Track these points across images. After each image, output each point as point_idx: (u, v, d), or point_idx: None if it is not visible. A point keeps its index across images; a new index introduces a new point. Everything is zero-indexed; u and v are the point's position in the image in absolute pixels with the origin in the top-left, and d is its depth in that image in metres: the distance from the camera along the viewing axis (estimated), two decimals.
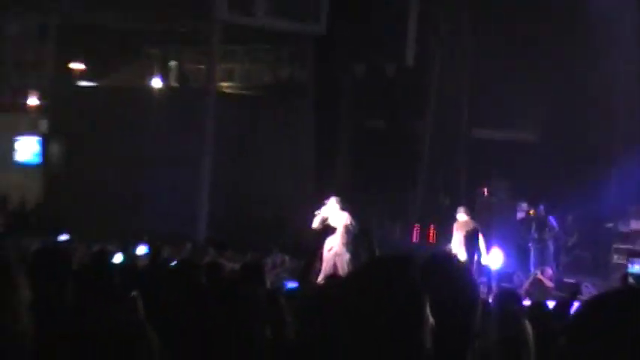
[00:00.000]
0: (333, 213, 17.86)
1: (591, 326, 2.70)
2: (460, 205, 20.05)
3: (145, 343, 3.11)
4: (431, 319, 3.43)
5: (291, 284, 14.70)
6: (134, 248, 15.38)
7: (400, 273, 3.54)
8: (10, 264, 3.52)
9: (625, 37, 22.96)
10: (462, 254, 18.41)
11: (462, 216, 19.38)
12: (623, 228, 22.44)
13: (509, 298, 8.55)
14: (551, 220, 22.08)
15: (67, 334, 3.85)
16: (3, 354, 3.39)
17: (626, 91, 22.76)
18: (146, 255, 12.22)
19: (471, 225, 19.34)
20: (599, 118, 23.10)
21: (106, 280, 6.53)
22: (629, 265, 20.70)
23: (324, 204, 18.06)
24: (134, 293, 6.49)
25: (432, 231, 24.01)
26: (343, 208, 18.03)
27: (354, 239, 17.98)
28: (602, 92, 22.88)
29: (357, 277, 3.57)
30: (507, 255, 21.06)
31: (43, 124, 28.64)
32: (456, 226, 19.35)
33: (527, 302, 10.76)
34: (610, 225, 22.60)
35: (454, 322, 3.87)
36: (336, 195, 18.51)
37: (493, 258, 20.70)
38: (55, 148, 28.36)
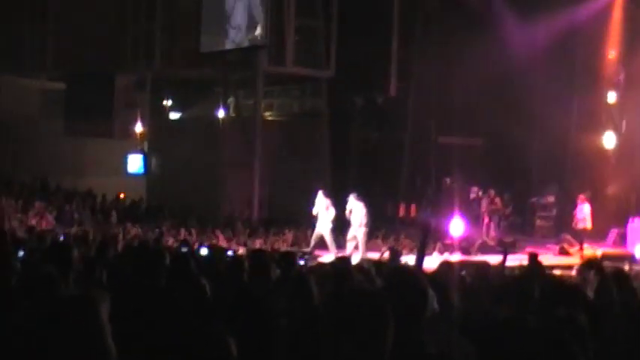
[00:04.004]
0: (352, 203, 18.20)
1: None
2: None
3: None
4: None
5: None
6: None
7: None
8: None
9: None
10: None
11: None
12: (542, 201, 22.73)
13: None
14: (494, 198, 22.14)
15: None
16: None
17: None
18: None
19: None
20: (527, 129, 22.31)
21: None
22: None
23: (346, 200, 18.24)
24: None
25: (412, 208, 24.21)
26: (358, 199, 18.32)
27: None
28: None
29: None
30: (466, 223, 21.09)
31: (145, 145, 28.84)
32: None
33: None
34: (534, 199, 22.86)
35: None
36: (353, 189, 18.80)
37: (456, 226, 20.73)
38: (153, 162, 28.70)
